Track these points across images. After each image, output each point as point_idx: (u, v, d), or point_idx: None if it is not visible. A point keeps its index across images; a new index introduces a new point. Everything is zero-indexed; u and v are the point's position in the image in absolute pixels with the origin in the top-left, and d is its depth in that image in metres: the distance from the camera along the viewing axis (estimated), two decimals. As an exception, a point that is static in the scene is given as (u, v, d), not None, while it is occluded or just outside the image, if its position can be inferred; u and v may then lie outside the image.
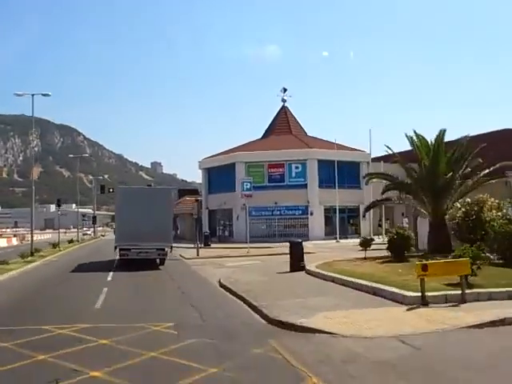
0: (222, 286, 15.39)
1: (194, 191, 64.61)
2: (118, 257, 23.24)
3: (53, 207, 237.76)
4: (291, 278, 16.39)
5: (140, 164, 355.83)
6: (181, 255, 29.45)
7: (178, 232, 55.61)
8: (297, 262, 18.10)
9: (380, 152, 43.94)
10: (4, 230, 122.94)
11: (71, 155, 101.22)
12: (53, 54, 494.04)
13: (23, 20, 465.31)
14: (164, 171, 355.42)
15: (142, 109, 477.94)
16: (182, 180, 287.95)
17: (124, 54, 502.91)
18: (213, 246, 37.98)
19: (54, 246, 35.90)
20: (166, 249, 22.77)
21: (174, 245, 24.17)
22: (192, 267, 22.87)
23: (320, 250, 28.40)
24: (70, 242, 49.19)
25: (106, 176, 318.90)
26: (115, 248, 22.76)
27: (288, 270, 18.09)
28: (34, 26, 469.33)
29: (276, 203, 42.37)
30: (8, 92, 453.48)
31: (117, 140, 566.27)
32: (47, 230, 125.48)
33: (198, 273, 20.31)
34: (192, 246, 33.84)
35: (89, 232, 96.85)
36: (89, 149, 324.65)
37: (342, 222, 43.61)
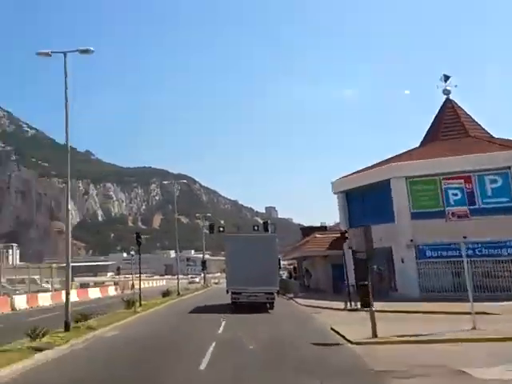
0: None
1: (321, 228, 50.83)
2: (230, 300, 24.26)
3: (173, 253, 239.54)
4: None
5: (255, 209, 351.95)
6: (335, 330, 15.83)
7: (310, 281, 42.07)
8: None
9: None
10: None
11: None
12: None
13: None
14: (279, 216, 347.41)
15: (257, 155, 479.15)
16: (299, 224, 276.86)
17: (236, 105, 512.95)
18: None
19: (129, 304, 23.90)
20: (274, 293, 24.34)
21: (311, 303, 25.74)
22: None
23: None
24: (165, 294, 37.35)
25: (221, 221, 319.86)
26: (227, 291, 24.63)
27: None
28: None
29: (465, 237, 26.70)
30: (128, 145, 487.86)
31: (232, 187, 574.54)
32: (166, 276, 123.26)
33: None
34: (340, 306, 24.26)
35: (197, 279, 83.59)
36: (205, 196, 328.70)
37: None
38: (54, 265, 68.91)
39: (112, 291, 50.80)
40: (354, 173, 36.60)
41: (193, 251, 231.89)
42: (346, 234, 28.58)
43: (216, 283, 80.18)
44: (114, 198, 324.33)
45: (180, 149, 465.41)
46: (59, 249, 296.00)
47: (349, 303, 23.95)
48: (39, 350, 12.76)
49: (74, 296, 41.39)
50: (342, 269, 32.69)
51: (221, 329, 17.31)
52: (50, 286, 44.24)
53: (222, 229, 50.02)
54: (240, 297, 23.80)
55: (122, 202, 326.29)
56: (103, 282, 70.12)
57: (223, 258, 35.86)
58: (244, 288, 23.60)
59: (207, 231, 60.26)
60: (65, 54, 17.11)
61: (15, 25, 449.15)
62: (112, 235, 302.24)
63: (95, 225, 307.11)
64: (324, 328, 17.30)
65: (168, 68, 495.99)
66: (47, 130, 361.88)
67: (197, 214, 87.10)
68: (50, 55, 17.26)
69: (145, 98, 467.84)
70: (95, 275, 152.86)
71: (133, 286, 67.12)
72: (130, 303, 23.95)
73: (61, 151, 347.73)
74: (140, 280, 29.60)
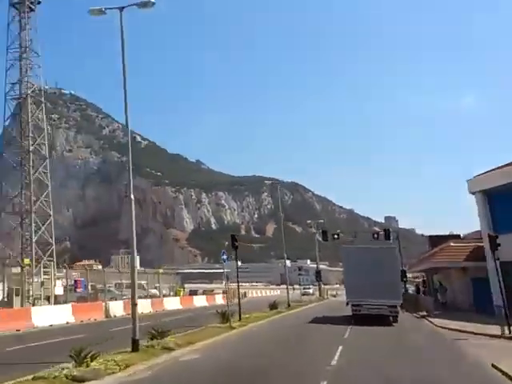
0: None
1: (454, 236, 43.56)
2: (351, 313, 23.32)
3: (288, 262, 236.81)
4: None
5: (373, 219, 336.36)
6: (500, 369, 10.93)
7: (446, 297, 35.53)
8: None
9: None
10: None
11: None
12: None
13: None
14: (400, 225, 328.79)
15: (366, 165, 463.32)
16: (422, 235, 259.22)
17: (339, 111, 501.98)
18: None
19: (224, 317, 20.07)
20: (397, 306, 23.37)
21: (451, 325, 21.76)
22: None
23: None
24: (273, 307, 32.69)
25: (337, 231, 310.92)
26: (347, 303, 24.03)
27: None
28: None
29: None
30: (238, 154, 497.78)
31: (346, 195, 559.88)
32: (282, 286, 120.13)
33: None
34: (493, 331, 18.62)
35: (310, 290, 75.91)
36: (318, 205, 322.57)
37: None
38: (161, 270, 68.79)
39: (220, 300, 47.64)
40: (498, 168, 29.83)
41: (308, 261, 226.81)
42: (492, 241, 22.45)
43: (334, 295, 74.82)
44: (226, 207, 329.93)
45: (293, 159, 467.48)
46: (175, 255, 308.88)
47: (507, 328, 18.05)
48: (80, 380, 9.17)
49: (176, 304, 39.75)
50: (485, 283, 27.08)
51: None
52: (157, 291, 43.05)
53: (336, 236, 47.83)
54: (361, 309, 23.12)
55: (234, 210, 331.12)
56: (212, 290, 67.82)
57: (341, 269, 33.04)
58: (365, 300, 22.98)
59: (320, 239, 57.77)
60: (121, 9, 14.55)
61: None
62: (226, 243, 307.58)
63: (209, 232, 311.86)
64: (480, 363, 12.15)
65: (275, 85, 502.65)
66: (159, 141, 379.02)
67: (308, 221, 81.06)
68: (105, 13, 14.79)
69: (257, 115, 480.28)
70: (211, 282, 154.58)
71: (244, 294, 63.61)
72: (224, 316, 20.15)
73: (173, 161, 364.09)
74: (238, 289, 26.49)
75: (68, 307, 25.74)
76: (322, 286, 70.72)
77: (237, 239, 24.43)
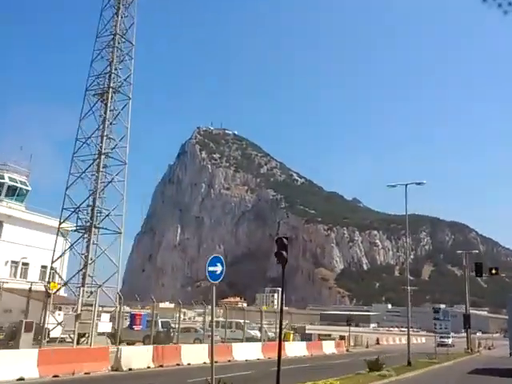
0: None
1: None
2: None
3: (442, 307, 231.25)
4: None
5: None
6: None
7: None
8: None
9: None
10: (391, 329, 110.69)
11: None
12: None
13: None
14: None
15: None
16: None
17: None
18: None
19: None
20: None
21: None
22: None
23: None
24: (374, 367, 20.63)
25: (502, 275, 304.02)
26: (510, 354, 23.60)
27: None
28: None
29: None
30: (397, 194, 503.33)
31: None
32: (421, 332, 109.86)
33: None
34: None
35: (449, 340, 54.80)
36: (482, 246, 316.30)
37: None
38: (264, 307, 59.72)
39: (330, 348, 38.29)
40: None
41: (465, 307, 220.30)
42: None
43: (490, 348, 59.03)
44: (380, 246, 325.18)
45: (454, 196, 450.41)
46: (322, 295, 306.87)
47: None
48: None
49: (302, 349, 33.28)
50: None
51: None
52: (258, 332, 36.80)
53: (494, 271, 40.11)
54: None
55: (389, 250, 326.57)
56: (330, 335, 53.34)
57: (503, 317, 29.10)
58: None
59: (474, 274, 43.34)
60: None
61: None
62: (377, 285, 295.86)
63: (359, 273, 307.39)
64: None
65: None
66: (316, 179, 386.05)
67: (458, 251, 65.83)
68: None
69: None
70: (357, 325, 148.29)
71: (377, 341, 55.62)
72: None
73: (329, 199, 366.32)
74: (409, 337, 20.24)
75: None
76: (472, 334, 57.38)
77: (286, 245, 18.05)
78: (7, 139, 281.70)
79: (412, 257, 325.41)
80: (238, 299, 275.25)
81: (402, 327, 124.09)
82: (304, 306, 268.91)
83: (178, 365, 21.50)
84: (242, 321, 37.25)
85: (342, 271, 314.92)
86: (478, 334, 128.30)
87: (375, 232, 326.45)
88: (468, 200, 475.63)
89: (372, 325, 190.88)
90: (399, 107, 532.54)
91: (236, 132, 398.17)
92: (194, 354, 22.68)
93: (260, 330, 36.37)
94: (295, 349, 32.73)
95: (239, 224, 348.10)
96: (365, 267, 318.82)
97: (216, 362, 12.94)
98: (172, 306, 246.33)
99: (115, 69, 35.67)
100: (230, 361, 24.67)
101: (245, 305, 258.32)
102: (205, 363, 20.87)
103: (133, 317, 30.58)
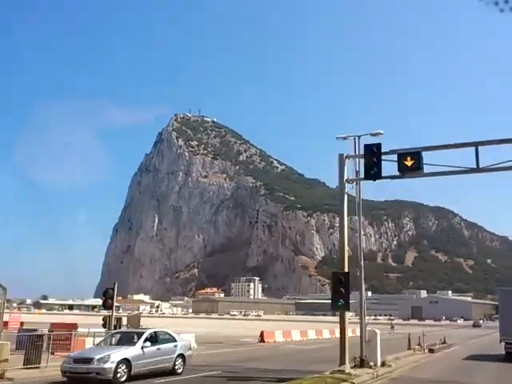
0: None
1: None
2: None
3: (423, 293, 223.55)
4: None
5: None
6: None
7: None
8: None
9: None
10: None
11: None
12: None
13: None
14: None
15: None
16: None
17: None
18: None
19: None
20: None
21: None
22: None
23: None
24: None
25: (488, 261, 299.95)
26: (500, 341, 24.18)
27: None
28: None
29: None
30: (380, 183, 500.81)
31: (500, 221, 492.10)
32: (411, 321, 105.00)
33: None
34: None
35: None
36: (467, 231, 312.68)
37: None
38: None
39: (327, 334, 42.81)
40: None
41: (449, 292, 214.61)
42: None
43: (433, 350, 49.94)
44: (362, 233, 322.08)
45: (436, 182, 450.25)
46: (302, 284, 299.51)
47: None
48: None
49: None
50: None
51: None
52: None
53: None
54: None
55: (371, 236, 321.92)
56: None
57: (489, 302, 35.04)
58: None
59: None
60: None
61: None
62: (358, 272, 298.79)
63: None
64: None
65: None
66: (297, 166, 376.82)
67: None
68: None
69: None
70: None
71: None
72: None
73: (310, 186, 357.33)
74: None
75: None
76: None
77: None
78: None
79: (395, 243, 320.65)
80: (214, 290, 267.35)
81: (378, 316, 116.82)
82: (281, 295, 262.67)
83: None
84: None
85: (323, 259, 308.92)
86: (459, 321, 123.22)
87: (356, 217, 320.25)
88: (452, 184, 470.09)
89: (350, 313, 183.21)
90: (378, 89, 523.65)
91: (215, 119, 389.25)
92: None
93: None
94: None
95: (218, 212, 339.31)
96: (346, 254, 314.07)
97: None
98: (147, 298, 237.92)
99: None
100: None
101: (222, 295, 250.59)
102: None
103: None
